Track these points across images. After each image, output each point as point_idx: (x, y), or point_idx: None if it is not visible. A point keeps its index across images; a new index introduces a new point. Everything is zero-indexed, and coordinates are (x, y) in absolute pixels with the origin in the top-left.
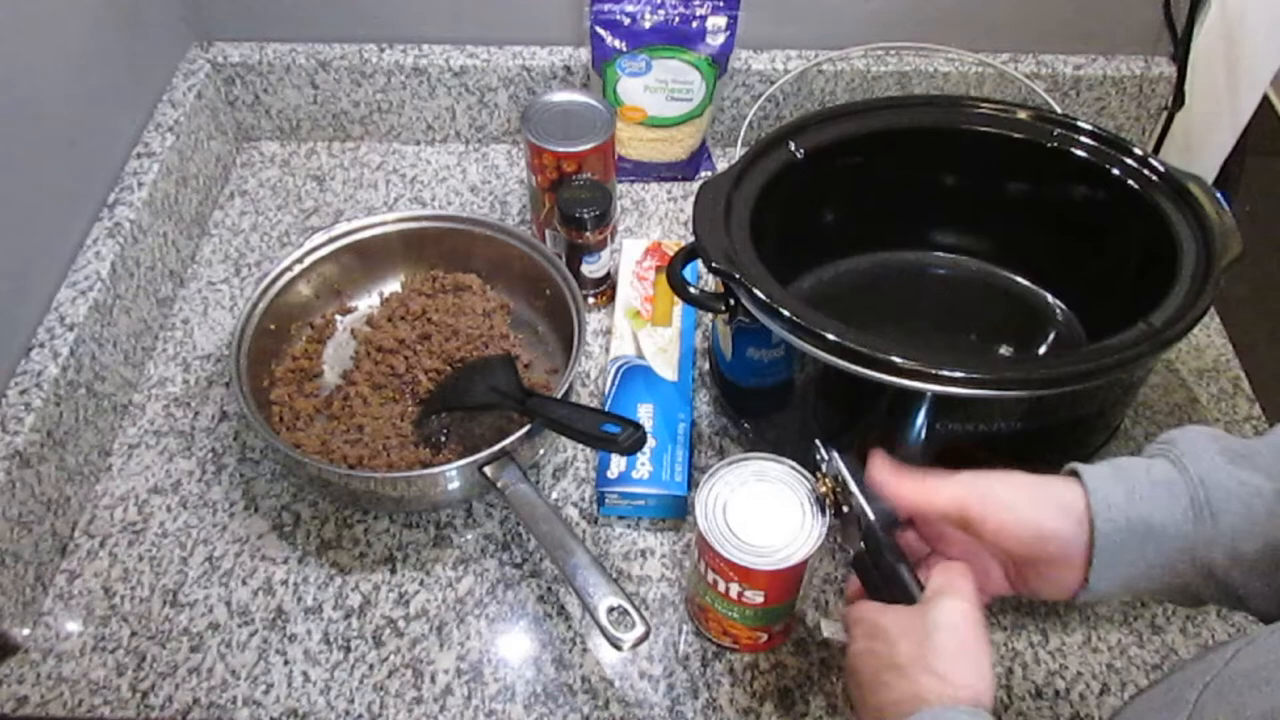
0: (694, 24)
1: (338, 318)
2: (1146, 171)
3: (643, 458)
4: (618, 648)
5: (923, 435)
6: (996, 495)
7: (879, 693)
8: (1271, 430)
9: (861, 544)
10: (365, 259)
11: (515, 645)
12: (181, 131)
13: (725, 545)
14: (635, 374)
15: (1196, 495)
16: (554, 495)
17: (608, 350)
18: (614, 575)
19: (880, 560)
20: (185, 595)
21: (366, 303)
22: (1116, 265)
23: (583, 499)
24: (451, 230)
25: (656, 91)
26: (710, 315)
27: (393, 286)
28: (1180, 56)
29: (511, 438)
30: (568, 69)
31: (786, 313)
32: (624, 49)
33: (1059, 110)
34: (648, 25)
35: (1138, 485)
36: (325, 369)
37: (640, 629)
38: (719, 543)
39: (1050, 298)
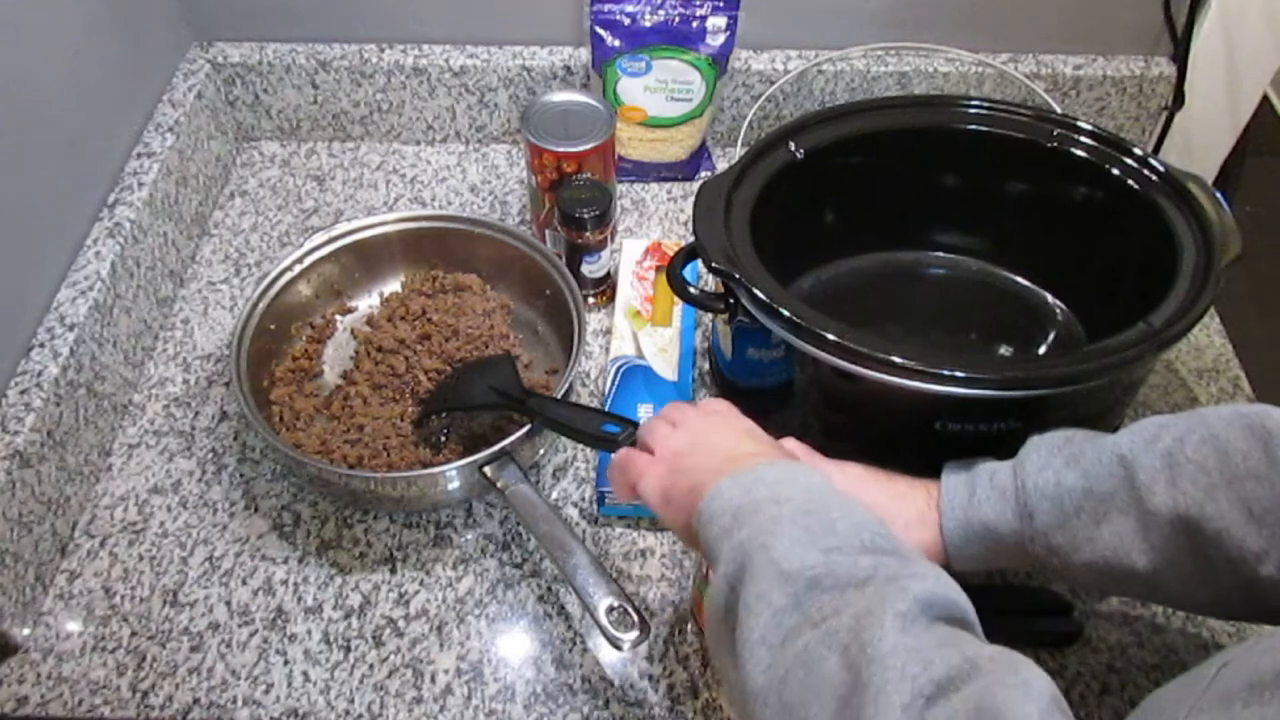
0: (694, 24)
1: (338, 318)
2: (1146, 171)
3: None
4: (618, 648)
5: (922, 435)
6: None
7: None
8: (1125, 429)
9: None
10: (365, 259)
11: (515, 645)
12: (181, 131)
13: None
14: (635, 374)
15: (1020, 496)
16: (554, 495)
17: (608, 350)
18: (614, 575)
19: None
20: (185, 595)
21: (366, 303)
22: (1116, 265)
23: (583, 499)
24: (451, 230)
25: (656, 91)
26: (710, 315)
27: (393, 286)
28: (1180, 56)
29: (511, 438)
30: (568, 69)
31: (786, 313)
32: (624, 49)
33: (1059, 110)
34: (648, 25)
35: (979, 488)
36: (325, 369)
37: (640, 629)
38: None
39: (1050, 298)
